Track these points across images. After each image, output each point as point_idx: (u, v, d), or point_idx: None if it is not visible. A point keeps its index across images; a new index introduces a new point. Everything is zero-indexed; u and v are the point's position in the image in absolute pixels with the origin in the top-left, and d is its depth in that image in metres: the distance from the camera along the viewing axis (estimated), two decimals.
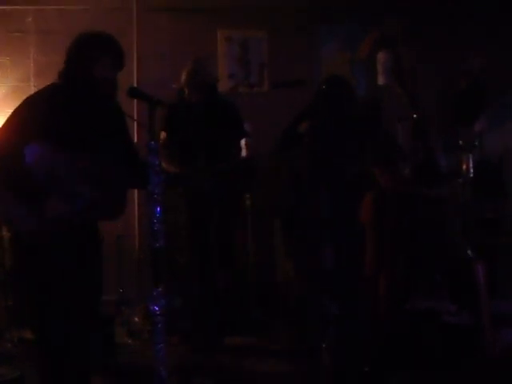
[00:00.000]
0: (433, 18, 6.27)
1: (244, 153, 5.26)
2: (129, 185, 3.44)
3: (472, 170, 4.78)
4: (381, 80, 5.83)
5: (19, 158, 3.03)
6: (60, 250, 3.13)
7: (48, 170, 3.08)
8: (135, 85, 5.75)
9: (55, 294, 3.14)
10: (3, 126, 3.17)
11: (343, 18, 6.39)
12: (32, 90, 5.55)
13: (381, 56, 5.88)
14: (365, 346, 4.46)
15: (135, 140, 5.73)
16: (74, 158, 3.12)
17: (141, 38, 6.03)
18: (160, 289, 2.91)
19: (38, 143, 3.06)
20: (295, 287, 4.97)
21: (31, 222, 3.05)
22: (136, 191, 5.78)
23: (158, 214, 2.91)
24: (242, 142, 5.20)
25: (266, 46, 6.40)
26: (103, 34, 3.29)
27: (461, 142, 4.89)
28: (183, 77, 4.86)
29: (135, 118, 5.15)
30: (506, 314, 4.59)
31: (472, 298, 4.46)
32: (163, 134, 4.91)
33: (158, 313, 2.90)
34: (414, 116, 5.34)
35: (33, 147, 3.06)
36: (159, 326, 2.90)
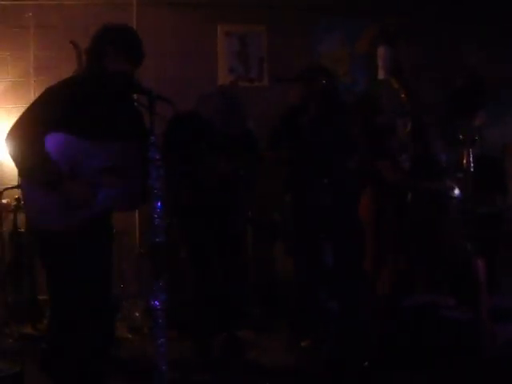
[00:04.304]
0: (432, 15, 6.26)
1: None
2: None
3: (472, 165, 4.78)
4: (380, 75, 5.83)
5: (42, 146, 3.05)
6: (83, 243, 3.17)
7: (70, 159, 3.11)
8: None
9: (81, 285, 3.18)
10: (18, 122, 3.16)
11: (342, 13, 6.39)
12: (32, 85, 5.55)
13: (380, 51, 5.87)
14: (364, 341, 4.47)
15: None
16: (97, 147, 3.14)
17: (141, 33, 5.96)
18: (160, 284, 2.91)
19: (60, 132, 3.07)
20: (295, 285, 4.96)
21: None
22: None
23: (159, 208, 2.91)
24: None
25: (265, 40, 6.40)
26: (122, 28, 3.31)
27: (461, 136, 4.88)
28: (217, 103, 4.67)
29: None
30: (505, 309, 4.60)
31: (471, 293, 4.46)
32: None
33: (158, 308, 2.91)
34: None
35: (55, 136, 3.08)
36: (160, 321, 2.91)
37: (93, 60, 3.27)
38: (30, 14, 5.90)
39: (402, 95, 5.34)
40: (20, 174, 3.24)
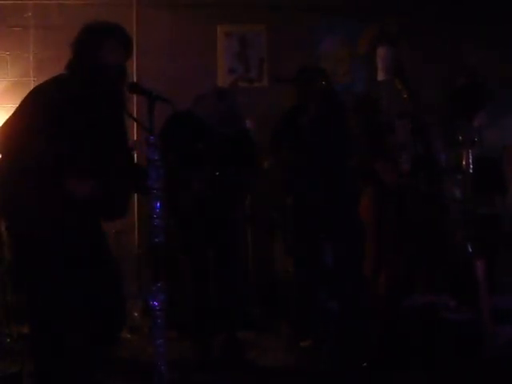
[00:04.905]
0: (432, 15, 6.26)
1: None
2: (130, 185, 3.40)
3: (472, 166, 4.78)
4: (380, 75, 5.82)
5: (31, 152, 3.03)
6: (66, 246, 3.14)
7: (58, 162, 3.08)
8: (135, 80, 5.75)
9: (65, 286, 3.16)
10: (11, 120, 3.15)
11: (343, 13, 6.38)
12: (32, 85, 5.54)
13: (380, 51, 5.86)
14: (364, 341, 4.46)
15: (134, 136, 5.76)
16: (83, 151, 3.11)
17: (140, 34, 6.01)
18: (159, 284, 2.91)
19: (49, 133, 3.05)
20: (295, 285, 4.96)
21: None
22: None
23: (158, 209, 2.91)
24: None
25: (265, 40, 6.39)
26: (107, 22, 3.30)
27: (460, 137, 4.88)
28: (214, 106, 4.63)
29: (135, 113, 5.15)
30: (506, 310, 4.60)
31: (472, 294, 4.46)
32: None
33: (157, 308, 2.91)
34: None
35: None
36: (159, 321, 2.91)
37: (86, 50, 3.22)
38: (30, 13, 5.91)
39: (404, 95, 5.34)
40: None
